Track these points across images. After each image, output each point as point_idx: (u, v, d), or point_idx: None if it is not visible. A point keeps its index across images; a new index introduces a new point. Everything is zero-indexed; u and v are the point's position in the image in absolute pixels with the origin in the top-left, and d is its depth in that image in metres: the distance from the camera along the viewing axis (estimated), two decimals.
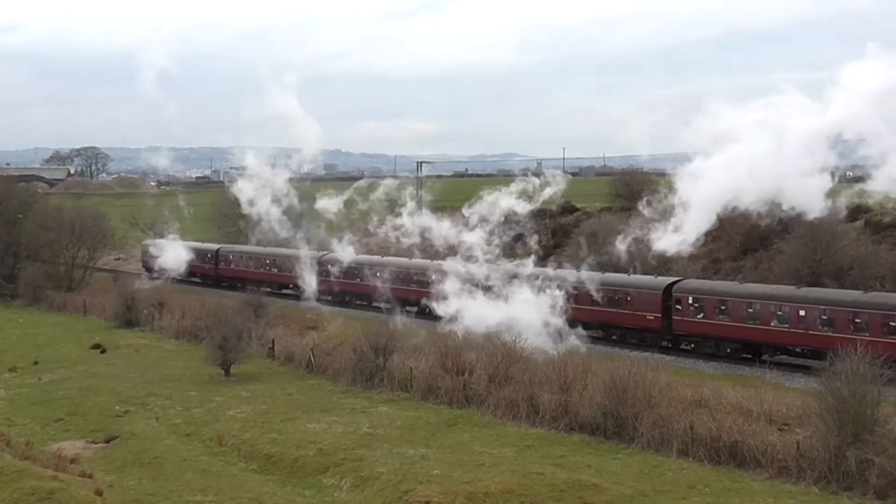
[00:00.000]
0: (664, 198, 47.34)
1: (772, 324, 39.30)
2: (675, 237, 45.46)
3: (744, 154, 39.70)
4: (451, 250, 55.04)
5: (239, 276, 69.35)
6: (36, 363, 44.32)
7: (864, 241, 47.36)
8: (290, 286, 63.58)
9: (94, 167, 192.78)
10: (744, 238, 53.44)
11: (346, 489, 25.21)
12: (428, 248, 62.20)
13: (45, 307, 64.19)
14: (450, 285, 48.58)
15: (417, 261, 57.61)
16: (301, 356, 41.18)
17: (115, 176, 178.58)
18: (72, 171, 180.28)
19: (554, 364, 32.90)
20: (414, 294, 53.99)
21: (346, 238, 64.84)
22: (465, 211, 61.53)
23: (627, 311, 44.70)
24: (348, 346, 39.28)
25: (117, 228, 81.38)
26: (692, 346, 42.32)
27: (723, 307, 41.06)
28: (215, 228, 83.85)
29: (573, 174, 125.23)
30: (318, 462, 27.03)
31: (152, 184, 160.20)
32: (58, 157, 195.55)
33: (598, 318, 45.62)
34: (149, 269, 76.48)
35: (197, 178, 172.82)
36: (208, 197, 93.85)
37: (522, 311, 43.16)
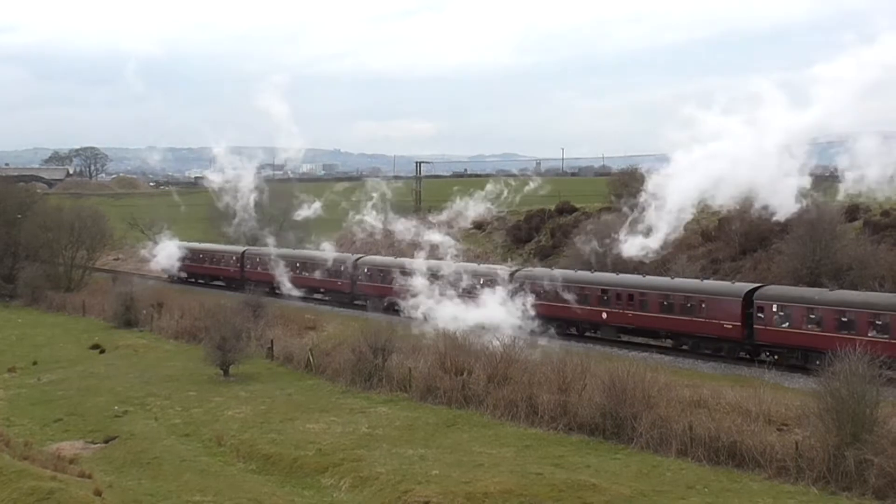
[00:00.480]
0: (636, 197, 47.15)
1: (869, 334, 35.70)
2: (639, 241, 45.20)
3: (718, 154, 39.65)
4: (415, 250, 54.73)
5: (268, 280, 64.84)
6: (35, 363, 44.27)
7: (863, 242, 47.39)
8: (323, 290, 62.03)
9: (93, 167, 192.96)
10: (742, 238, 53.48)
11: (345, 489, 25.21)
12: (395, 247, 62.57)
13: (44, 307, 64.15)
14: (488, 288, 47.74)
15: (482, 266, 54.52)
16: (300, 356, 41.17)
17: (114, 176, 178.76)
18: (71, 172, 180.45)
19: (553, 364, 32.88)
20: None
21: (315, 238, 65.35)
22: (432, 217, 62.07)
23: (701, 319, 41.40)
24: (347, 346, 39.24)
25: (116, 229, 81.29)
26: (775, 357, 38.95)
27: (812, 315, 37.88)
28: (214, 229, 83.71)
29: (572, 174, 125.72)
30: (317, 462, 27.02)
31: (151, 184, 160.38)
32: (57, 158, 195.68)
33: (665, 326, 43.29)
34: (171, 274, 75.30)
35: (196, 177, 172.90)
36: (207, 197, 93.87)
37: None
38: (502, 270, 50.39)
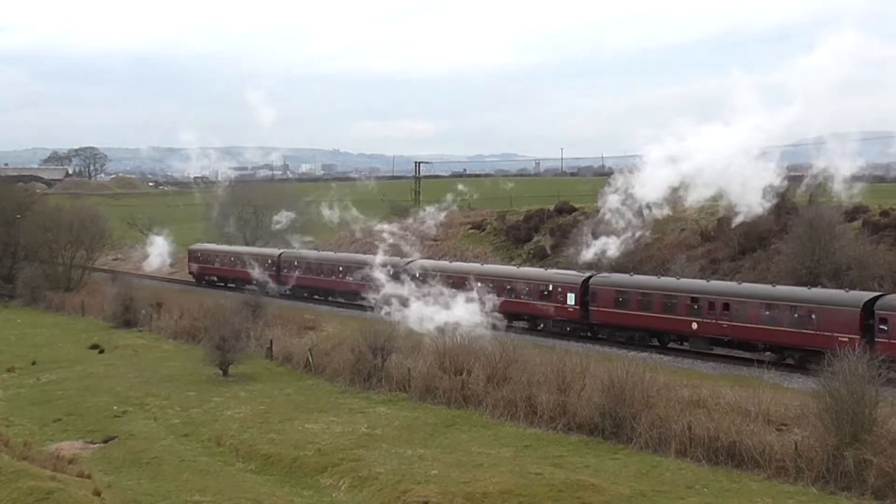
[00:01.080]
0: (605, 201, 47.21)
1: None
2: (599, 243, 44.85)
3: (689, 153, 39.62)
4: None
5: (306, 285, 63.76)
6: (34, 363, 44.26)
7: (863, 241, 47.39)
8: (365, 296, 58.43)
9: (92, 167, 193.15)
10: (742, 238, 53.44)
11: (345, 489, 25.20)
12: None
13: (43, 307, 64.20)
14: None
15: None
16: (299, 356, 41.17)
17: (113, 176, 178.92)
18: (70, 172, 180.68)
19: (552, 364, 32.87)
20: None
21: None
22: (389, 224, 63.13)
23: (811, 331, 37.50)
24: (346, 346, 39.25)
25: (115, 228, 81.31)
26: None
27: None
28: (214, 228, 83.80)
29: (572, 174, 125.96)
30: (316, 462, 27.03)
31: (150, 184, 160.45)
32: (56, 158, 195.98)
33: (766, 338, 39.42)
34: (197, 277, 74.49)
35: (195, 178, 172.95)
36: (207, 196, 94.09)
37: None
38: (574, 276, 47.49)
